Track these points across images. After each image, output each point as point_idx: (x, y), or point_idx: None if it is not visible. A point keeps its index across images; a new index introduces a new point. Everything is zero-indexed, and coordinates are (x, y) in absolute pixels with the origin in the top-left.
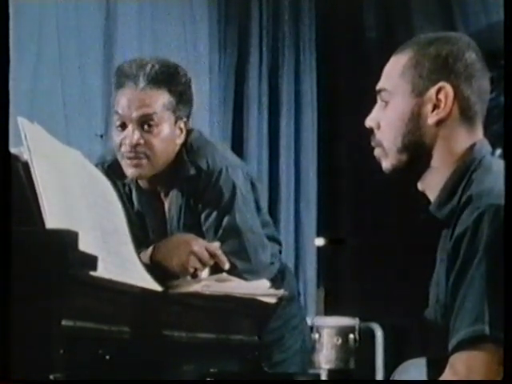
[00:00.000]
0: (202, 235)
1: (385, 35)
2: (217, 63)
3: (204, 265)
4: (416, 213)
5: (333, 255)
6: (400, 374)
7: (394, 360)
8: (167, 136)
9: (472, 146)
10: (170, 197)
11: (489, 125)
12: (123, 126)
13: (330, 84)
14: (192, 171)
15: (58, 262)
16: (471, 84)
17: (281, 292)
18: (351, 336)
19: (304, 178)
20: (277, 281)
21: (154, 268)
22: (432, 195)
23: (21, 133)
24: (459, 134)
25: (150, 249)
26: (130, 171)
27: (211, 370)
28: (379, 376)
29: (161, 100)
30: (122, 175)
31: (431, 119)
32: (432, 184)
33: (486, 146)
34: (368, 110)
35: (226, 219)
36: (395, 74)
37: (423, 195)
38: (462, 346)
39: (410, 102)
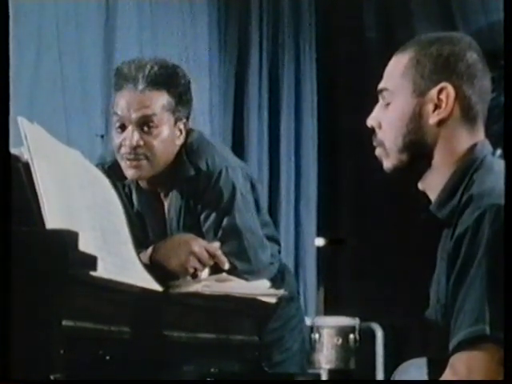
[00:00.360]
0: (201, 236)
1: (385, 35)
2: (217, 63)
3: (204, 265)
4: (416, 213)
5: (333, 255)
6: (400, 374)
7: (394, 360)
8: (167, 137)
9: (473, 147)
10: (170, 197)
11: (489, 125)
12: (123, 128)
13: (330, 84)
14: (192, 172)
15: (58, 262)
16: (473, 84)
17: (281, 292)
18: (351, 336)
19: (304, 178)
20: (276, 281)
21: (154, 268)
22: (433, 195)
23: (21, 133)
24: (460, 134)
25: (150, 249)
26: (129, 172)
27: (211, 370)
28: (379, 376)
29: (160, 101)
30: (122, 176)
31: (432, 119)
32: (433, 184)
33: (488, 147)
34: (368, 110)
35: (225, 220)
36: (396, 73)
37: (424, 195)
38: (462, 346)
39: (412, 101)
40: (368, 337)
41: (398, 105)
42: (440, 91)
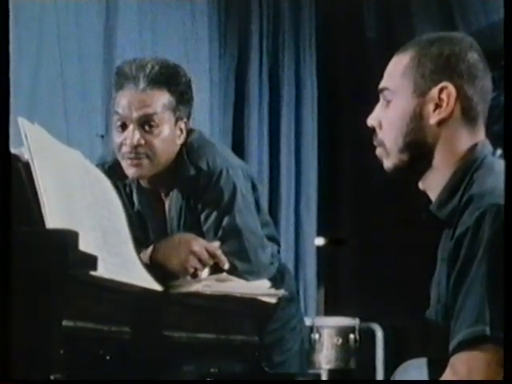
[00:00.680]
0: (202, 235)
1: (385, 35)
2: (217, 63)
3: (204, 265)
4: (417, 212)
5: (333, 255)
6: (400, 374)
7: (394, 360)
8: (168, 136)
9: (474, 147)
10: (171, 197)
11: (489, 125)
12: (124, 127)
13: (331, 84)
14: (192, 171)
15: (59, 261)
16: (473, 84)
17: (281, 292)
18: (351, 336)
19: (304, 178)
20: (276, 281)
21: (154, 268)
22: (433, 195)
23: (21, 133)
24: (461, 134)
25: (150, 249)
26: (130, 171)
27: (211, 370)
28: (379, 376)
29: (161, 100)
30: (123, 176)
31: (433, 119)
32: (433, 184)
33: (488, 147)
34: (368, 110)
35: (226, 219)
36: (397, 73)
37: (424, 195)
38: (462, 347)
39: (412, 101)
40: (368, 337)
41: (398, 104)
42: (441, 90)
